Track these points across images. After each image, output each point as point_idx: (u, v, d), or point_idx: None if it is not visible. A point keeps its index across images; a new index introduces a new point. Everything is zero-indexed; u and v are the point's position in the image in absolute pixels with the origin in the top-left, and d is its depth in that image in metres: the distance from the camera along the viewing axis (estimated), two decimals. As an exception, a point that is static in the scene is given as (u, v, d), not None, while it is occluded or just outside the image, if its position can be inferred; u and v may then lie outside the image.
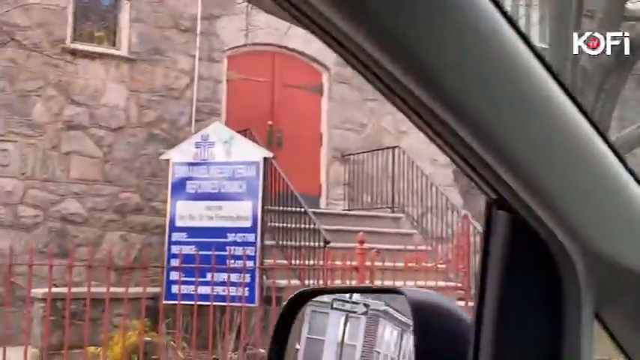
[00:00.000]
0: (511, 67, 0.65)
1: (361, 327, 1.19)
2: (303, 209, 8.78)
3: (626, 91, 9.87)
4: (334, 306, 1.25)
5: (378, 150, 11.44)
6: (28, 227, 9.53)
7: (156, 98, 10.49)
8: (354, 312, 1.22)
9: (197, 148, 8.80)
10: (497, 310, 0.77)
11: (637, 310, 0.83)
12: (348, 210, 11.39)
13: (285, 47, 10.97)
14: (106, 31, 10.48)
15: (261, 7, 7.54)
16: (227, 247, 7.79)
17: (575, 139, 0.71)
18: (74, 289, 6.61)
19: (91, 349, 6.87)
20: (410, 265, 7.47)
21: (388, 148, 11.38)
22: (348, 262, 7.23)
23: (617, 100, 8.74)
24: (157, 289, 7.73)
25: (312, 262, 7.82)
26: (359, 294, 1.29)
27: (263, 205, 8.48)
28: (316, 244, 8.27)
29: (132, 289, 6.72)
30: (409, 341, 1.07)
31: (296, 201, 8.89)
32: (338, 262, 7.31)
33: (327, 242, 8.13)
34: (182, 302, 7.01)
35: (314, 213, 8.94)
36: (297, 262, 7.94)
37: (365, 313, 1.20)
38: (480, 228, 9.68)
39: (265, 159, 8.66)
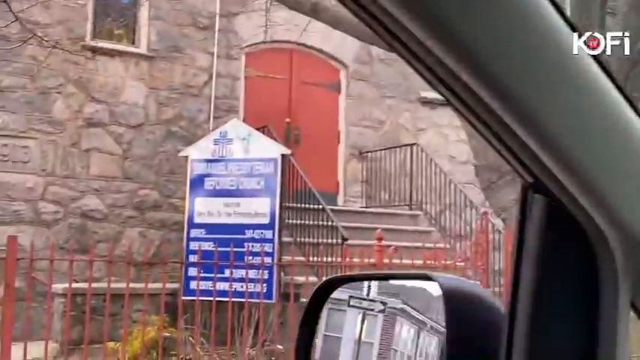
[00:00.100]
0: (556, 52, 0.65)
1: (378, 325, 1.19)
2: (320, 206, 8.78)
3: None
4: (351, 303, 1.25)
5: (395, 147, 11.41)
6: (48, 223, 9.63)
7: (174, 96, 10.54)
8: (372, 310, 1.22)
9: (215, 145, 8.83)
10: (532, 297, 0.76)
11: None
12: (366, 207, 11.38)
13: (304, 44, 10.97)
14: (126, 29, 10.55)
15: (285, 3, 7.54)
16: (245, 244, 7.81)
17: (616, 123, 0.70)
18: (94, 285, 6.67)
19: (111, 344, 6.92)
20: (428, 262, 7.45)
21: (406, 145, 11.35)
22: (366, 260, 7.22)
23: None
24: (175, 285, 7.77)
25: (329, 259, 7.82)
26: (387, 281, 1.29)
27: (281, 202, 8.50)
28: (334, 241, 8.27)
29: (151, 285, 6.76)
30: (426, 339, 1.07)
31: (314, 198, 8.89)
32: (356, 260, 7.31)
33: (345, 239, 8.13)
34: (200, 298, 7.04)
35: (331, 210, 8.94)
36: (315, 259, 7.94)
37: (382, 311, 1.20)
38: (499, 225, 9.63)
39: (283, 156, 8.67)
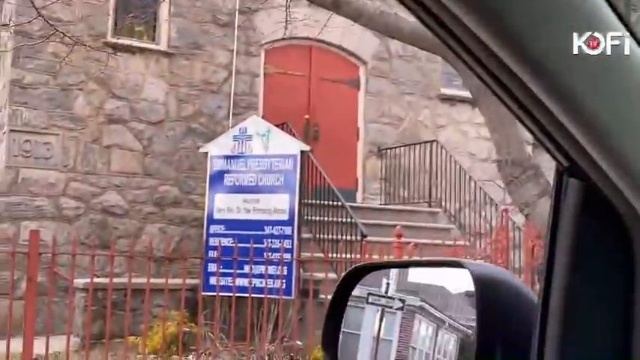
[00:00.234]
0: (598, 31, 0.64)
1: (397, 322, 1.19)
2: (340, 203, 8.78)
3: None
4: (370, 301, 1.25)
5: (415, 144, 11.37)
6: (70, 219, 9.73)
7: (194, 92, 10.59)
8: (390, 307, 1.22)
9: (235, 141, 8.86)
10: (566, 285, 0.73)
11: None
12: (385, 204, 11.36)
13: (323, 41, 10.96)
14: (146, 26, 10.61)
15: None
16: (264, 240, 7.84)
17: None
18: (115, 280, 6.72)
19: (131, 338, 6.98)
20: (447, 259, 7.40)
21: (425, 142, 11.31)
22: (385, 257, 7.21)
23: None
24: (195, 281, 7.82)
25: (349, 256, 7.82)
26: (417, 269, 1.28)
27: (300, 199, 8.51)
28: (353, 237, 8.27)
29: (171, 281, 6.81)
30: (444, 337, 1.07)
31: (333, 195, 8.89)
32: (375, 256, 7.30)
33: (364, 236, 8.12)
34: (220, 294, 7.07)
35: (350, 207, 8.94)
36: (334, 255, 7.94)
37: (401, 309, 1.20)
38: (519, 223, 9.57)
39: (302, 152, 8.68)
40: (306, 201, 8.93)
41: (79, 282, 7.65)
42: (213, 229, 8.65)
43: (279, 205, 8.45)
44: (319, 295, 7.34)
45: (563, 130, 0.67)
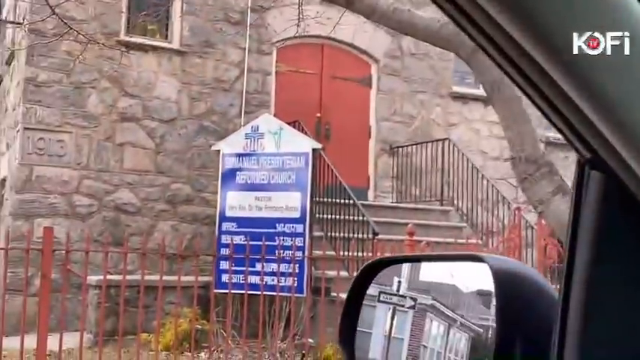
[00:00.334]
0: (621, 21, 0.63)
1: (408, 321, 1.19)
2: (351, 201, 8.78)
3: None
4: (381, 299, 1.25)
5: (427, 142, 11.35)
6: (83, 216, 9.79)
7: (206, 90, 10.62)
8: (401, 305, 1.22)
9: (247, 139, 8.88)
10: (587, 280, 0.71)
11: None
12: (397, 203, 11.34)
13: (334, 39, 10.96)
14: (159, 24, 10.65)
15: None
16: (276, 238, 7.85)
17: None
18: (128, 277, 6.76)
19: (144, 335, 7.01)
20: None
21: (437, 140, 11.28)
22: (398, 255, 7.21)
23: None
24: (207, 278, 7.85)
25: (360, 254, 7.82)
26: (435, 262, 1.27)
27: (312, 197, 8.52)
28: (365, 235, 8.27)
29: (183, 278, 6.84)
30: (456, 336, 1.08)
31: (345, 193, 8.90)
32: (387, 254, 7.30)
33: (376, 234, 8.12)
34: (232, 291, 7.09)
35: (362, 205, 8.93)
36: (346, 253, 7.95)
37: (412, 307, 1.20)
38: (532, 221, 9.54)
39: (314, 150, 8.68)
40: (317, 199, 8.94)
41: (92, 279, 7.70)
42: (225, 226, 8.68)
43: (290, 202, 8.46)
44: (331, 293, 7.34)
45: (585, 120, 0.65)
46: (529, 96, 0.70)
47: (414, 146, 11.49)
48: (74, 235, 8.79)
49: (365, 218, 8.52)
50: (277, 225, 8.40)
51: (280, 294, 7.09)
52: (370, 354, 1.24)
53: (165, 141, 10.33)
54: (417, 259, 1.39)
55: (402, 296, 1.23)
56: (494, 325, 0.91)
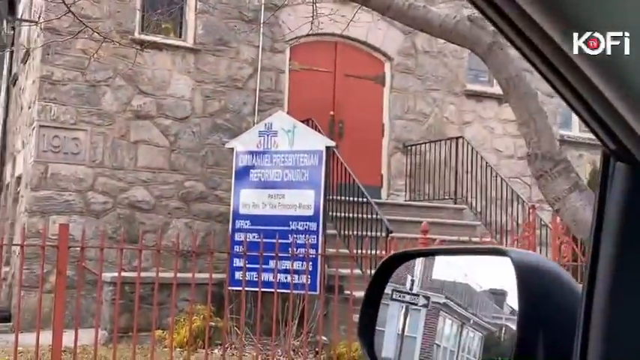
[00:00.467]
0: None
1: (421, 319, 1.19)
2: (365, 199, 8.77)
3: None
4: (394, 297, 1.25)
5: (440, 140, 11.32)
6: (97, 213, 9.85)
7: (220, 89, 10.65)
8: (415, 304, 1.22)
9: (260, 137, 8.90)
10: (613, 274, 0.70)
11: None
12: (410, 201, 11.32)
13: (348, 37, 10.95)
14: (173, 22, 10.68)
15: None
16: (289, 235, 7.86)
17: None
18: (142, 274, 6.78)
19: (158, 332, 7.05)
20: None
21: (451, 138, 11.25)
22: (410, 253, 7.19)
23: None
24: (221, 276, 7.87)
25: (374, 252, 7.82)
26: (456, 256, 1.27)
27: (325, 195, 8.52)
28: (378, 234, 8.26)
29: (197, 275, 6.86)
30: (469, 335, 1.08)
31: (358, 191, 8.89)
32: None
33: (389, 232, 8.11)
34: (246, 289, 7.11)
35: (375, 203, 8.92)
36: (360, 251, 7.94)
37: (425, 306, 1.20)
38: (546, 220, 9.49)
39: (327, 148, 8.68)
40: (330, 197, 8.93)
41: (107, 276, 7.75)
42: (239, 224, 8.71)
43: (304, 200, 8.47)
44: (344, 290, 7.34)
45: (610, 110, 0.64)
46: (554, 86, 0.69)
47: (428, 144, 11.46)
48: (89, 232, 8.84)
49: (378, 216, 8.51)
50: (291, 223, 8.41)
51: (294, 292, 7.10)
52: (383, 352, 1.24)
53: (179, 139, 10.37)
54: (438, 253, 1.38)
55: (415, 294, 1.23)
56: (508, 324, 0.91)
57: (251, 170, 8.84)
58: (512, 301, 0.92)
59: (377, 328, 1.23)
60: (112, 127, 10.01)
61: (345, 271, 7.10)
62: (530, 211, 9.30)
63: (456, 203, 10.99)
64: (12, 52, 13.01)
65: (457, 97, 12.15)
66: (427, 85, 11.93)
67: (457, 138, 11.17)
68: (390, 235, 8.04)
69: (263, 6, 10.72)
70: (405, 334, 1.23)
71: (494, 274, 1.02)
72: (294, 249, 7.29)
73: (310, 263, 7.42)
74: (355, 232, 8.58)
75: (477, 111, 12.28)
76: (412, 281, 1.25)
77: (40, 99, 9.70)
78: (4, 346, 6.78)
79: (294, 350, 7.49)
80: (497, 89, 10.79)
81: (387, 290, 1.24)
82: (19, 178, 10.97)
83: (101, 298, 7.28)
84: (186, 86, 10.47)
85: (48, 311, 6.79)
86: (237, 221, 8.75)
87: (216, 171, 10.40)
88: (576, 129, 13.02)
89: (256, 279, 7.08)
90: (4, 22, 12.72)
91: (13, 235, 10.53)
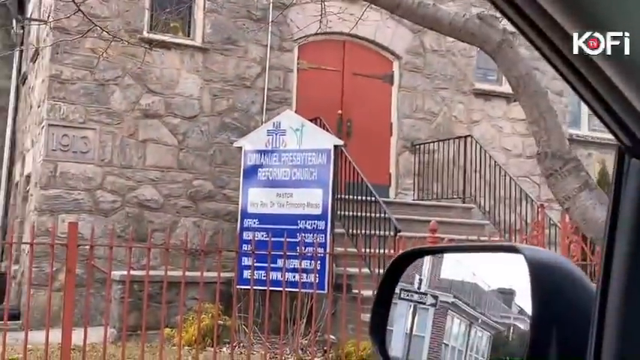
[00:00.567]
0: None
1: (429, 318, 1.19)
2: (373, 198, 8.77)
3: None
4: (402, 296, 1.25)
5: (448, 139, 11.30)
6: (106, 212, 9.88)
7: (228, 87, 10.66)
8: (423, 303, 1.22)
9: (269, 135, 8.90)
10: (627, 272, 0.69)
11: None
12: (418, 200, 11.30)
13: (356, 36, 10.94)
14: (181, 21, 10.70)
15: None
16: (297, 234, 7.86)
17: None
18: (151, 273, 6.80)
19: (167, 330, 7.07)
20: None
21: (459, 137, 11.22)
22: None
23: None
24: (229, 274, 7.88)
25: (382, 251, 7.81)
26: (467, 254, 1.26)
27: (333, 194, 8.51)
28: (386, 232, 8.25)
29: (206, 274, 6.87)
30: (477, 334, 1.07)
31: (366, 190, 8.88)
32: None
33: (398, 231, 8.10)
34: (254, 287, 7.12)
35: (384, 202, 8.91)
36: (368, 250, 7.94)
37: (433, 305, 1.20)
38: (555, 219, 9.46)
39: (335, 147, 8.68)
40: (339, 196, 8.93)
41: (116, 274, 7.77)
42: (247, 223, 8.72)
43: (312, 199, 8.47)
44: (352, 289, 7.34)
45: (626, 105, 0.64)
46: (570, 83, 0.68)
47: (436, 143, 11.44)
48: (98, 230, 8.87)
49: (386, 215, 8.50)
50: (299, 222, 8.41)
51: (302, 290, 7.10)
52: (391, 351, 1.23)
53: (187, 138, 10.39)
54: (449, 250, 1.37)
55: (423, 294, 1.22)
56: (516, 323, 0.90)
57: (259, 169, 8.85)
58: (521, 300, 0.92)
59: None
60: (120, 126, 10.04)
61: (354, 270, 7.10)
62: (539, 210, 9.27)
63: (464, 202, 10.97)
64: (21, 52, 13.06)
65: (465, 96, 12.12)
66: (436, 84, 11.91)
67: (465, 137, 11.15)
68: (399, 234, 8.03)
69: (271, 5, 10.72)
70: (414, 333, 1.23)
71: (504, 273, 1.02)
72: (303, 248, 7.30)
73: (318, 262, 7.43)
74: (363, 231, 8.57)
75: (486, 110, 12.25)
76: (420, 280, 1.25)
77: (49, 98, 9.74)
78: (14, 344, 6.81)
79: (302, 349, 7.50)
80: (505, 88, 10.76)
81: (396, 289, 1.24)
82: (28, 176, 11.02)
83: (110, 297, 7.31)
84: (195, 85, 10.49)
85: (57, 309, 6.82)
86: (245, 220, 8.76)
87: (225, 170, 10.42)
88: (585, 128, 12.97)
89: (264, 278, 7.09)
90: (14, 21, 12.78)
91: (23, 234, 10.58)
